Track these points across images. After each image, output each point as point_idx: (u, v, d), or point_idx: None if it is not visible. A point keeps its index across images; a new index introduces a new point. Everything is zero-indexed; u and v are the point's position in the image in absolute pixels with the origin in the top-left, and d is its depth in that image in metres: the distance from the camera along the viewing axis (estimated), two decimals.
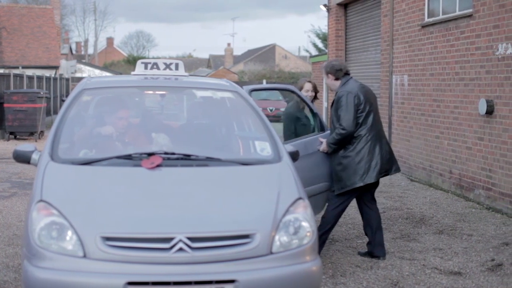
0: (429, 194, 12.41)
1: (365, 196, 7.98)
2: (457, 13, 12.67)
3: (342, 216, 10.12)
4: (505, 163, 10.72)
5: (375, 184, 7.92)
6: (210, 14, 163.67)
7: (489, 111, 11.06)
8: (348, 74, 8.00)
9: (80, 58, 71.69)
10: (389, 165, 7.87)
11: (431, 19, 13.82)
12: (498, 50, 10.91)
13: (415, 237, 9.04)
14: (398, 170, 8.03)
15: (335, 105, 7.77)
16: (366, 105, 7.73)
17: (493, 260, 7.91)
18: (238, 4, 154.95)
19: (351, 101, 7.65)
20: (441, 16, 13.42)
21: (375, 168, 7.69)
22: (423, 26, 14.05)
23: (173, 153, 5.74)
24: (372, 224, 7.95)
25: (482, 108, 11.17)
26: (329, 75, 7.99)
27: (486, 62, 11.30)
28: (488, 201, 11.19)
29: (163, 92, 7.14)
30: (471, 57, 11.86)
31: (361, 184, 7.67)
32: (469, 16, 11.93)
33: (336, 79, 7.96)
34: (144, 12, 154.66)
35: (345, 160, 7.69)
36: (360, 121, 7.70)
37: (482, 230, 9.44)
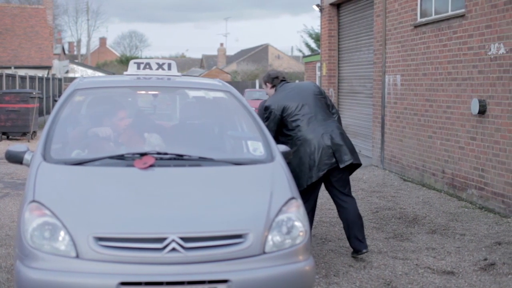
0: (422, 194, 12.43)
1: (333, 193, 7.99)
2: (450, 13, 12.68)
3: (335, 216, 10.14)
4: (497, 162, 10.74)
5: (340, 179, 7.89)
6: (204, 14, 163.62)
7: (482, 111, 11.09)
8: (285, 81, 8.13)
9: (72, 58, 71.59)
10: (334, 159, 7.74)
11: (423, 19, 13.84)
12: (490, 50, 10.93)
13: (408, 236, 9.05)
14: (351, 161, 7.77)
15: None
16: (293, 110, 7.86)
17: (485, 259, 7.93)
18: (232, 4, 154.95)
19: (268, 116, 7.91)
20: (433, 16, 13.44)
21: (313, 167, 7.71)
22: (416, 26, 14.06)
23: (166, 153, 5.74)
24: (345, 219, 7.89)
25: (475, 108, 11.19)
26: (267, 83, 8.26)
27: (479, 62, 11.32)
28: (481, 200, 11.21)
29: (156, 92, 7.13)
30: (464, 57, 11.88)
31: (305, 186, 7.73)
32: (462, 16, 11.95)
33: (273, 86, 8.21)
34: (138, 12, 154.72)
35: (290, 166, 7.69)
36: (290, 126, 7.86)
37: (475, 230, 9.46)
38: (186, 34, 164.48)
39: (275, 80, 8.19)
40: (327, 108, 8.06)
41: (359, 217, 7.92)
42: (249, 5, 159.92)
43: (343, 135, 7.90)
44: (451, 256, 8.11)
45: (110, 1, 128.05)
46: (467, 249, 8.40)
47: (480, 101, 11.08)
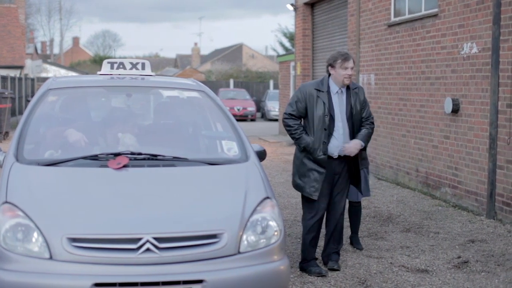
0: (396, 193, 12.48)
1: None
2: (423, 12, 12.76)
3: None
4: (470, 161, 10.82)
5: None
6: (185, 14, 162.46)
7: (455, 110, 11.16)
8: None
9: (45, 58, 70.96)
10: None
11: (397, 19, 13.91)
12: (463, 49, 11.00)
13: (383, 235, 9.08)
14: None
15: (364, 96, 7.43)
16: None
17: (459, 257, 7.98)
18: (215, 4, 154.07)
19: None
20: (407, 16, 13.51)
21: None
22: (390, 26, 14.12)
23: (140, 153, 5.72)
24: None
25: (448, 106, 11.26)
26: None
27: (452, 61, 11.40)
28: (454, 199, 11.28)
29: (130, 92, 7.09)
30: (437, 56, 11.95)
31: None
32: (435, 15, 12.02)
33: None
34: (118, 12, 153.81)
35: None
36: None
37: (449, 228, 9.52)
38: (161, 34, 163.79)
39: None
40: None
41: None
42: (231, 5, 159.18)
43: None
44: (425, 254, 8.14)
45: (89, 1, 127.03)
46: (441, 247, 8.44)
47: (453, 100, 11.15)
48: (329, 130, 7.20)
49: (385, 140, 14.46)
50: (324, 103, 7.17)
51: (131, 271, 4.72)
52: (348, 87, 7.32)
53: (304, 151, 7.25)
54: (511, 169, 9.68)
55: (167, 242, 4.83)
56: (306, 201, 7.37)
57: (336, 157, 7.26)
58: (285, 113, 7.36)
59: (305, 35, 21.63)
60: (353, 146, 7.20)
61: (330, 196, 7.42)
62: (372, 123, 7.45)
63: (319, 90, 7.22)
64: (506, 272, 7.43)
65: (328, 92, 7.24)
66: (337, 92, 7.26)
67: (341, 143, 7.22)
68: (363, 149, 7.43)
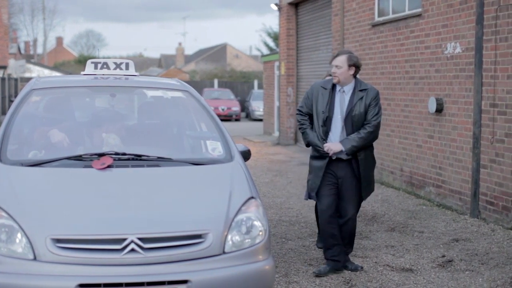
0: (380, 192, 12.50)
1: None
2: (407, 12, 12.79)
3: (295, 215, 10.16)
4: (454, 160, 10.86)
5: None
6: (170, 14, 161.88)
7: (439, 109, 11.20)
8: None
9: (29, 58, 70.67)
10: None
11: (381, 18, 13.93)
12: (447, 49, 11.04)
13: (367, 234, 9.10)
14: None
15: (371, 100, 7.27)
16: None
17: (443, 256, 8.01)
18: (198, 4, 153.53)
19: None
20: (391, 16, 13.53)
21: None
22: (374, 25, 14.15)
23: (124, 154, 5.71)
24: None
25: (432, 106, 11.30)
26: (353, 67, 7.27)
27: (436, 61, 11.44)
28: (439, 198, 11.32)
29: (114, 92, 7.06)
30: (421, 56, 11.99)
31: None
32: (419, 15, 12.06)
33: (355, 75, 7.33)
34: (103, 12, 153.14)
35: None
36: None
37: (433, 227, 9.55)
38: (146, 34, 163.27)
39: (359, 69, 7.39)
40: None
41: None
42: (216, 5, 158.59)
43: None
44: (409, 253, 8.17)
45: (74, 0, 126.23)
46: (426, 246, 8.47)
47: (437, 100, 11.19)
48: (327, 127, 7.23)
49: None
50: (324, 100, 7.24)
51: (116, 271, 4.71)
52: (355, 88, 7.30)
53: (309, 145, 7.44)
54: (494, 168, 9.72)
55: (152, 242, 4.82)
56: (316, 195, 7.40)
57: (334, 158, 7.22)
58: (296, 109, 7.59)
59: (289, 35, 21.64)
60: (332, 146, 7.15)
61: (338, 201, 7.36)
62: (370, 127, 7.24)
63: (324, 88, 7.32)
64: (490, 270, 7.46)
65: (333, 90, 7.28)
66: (339, 90, 7.29)
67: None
68: (360, 150, 7.26)
